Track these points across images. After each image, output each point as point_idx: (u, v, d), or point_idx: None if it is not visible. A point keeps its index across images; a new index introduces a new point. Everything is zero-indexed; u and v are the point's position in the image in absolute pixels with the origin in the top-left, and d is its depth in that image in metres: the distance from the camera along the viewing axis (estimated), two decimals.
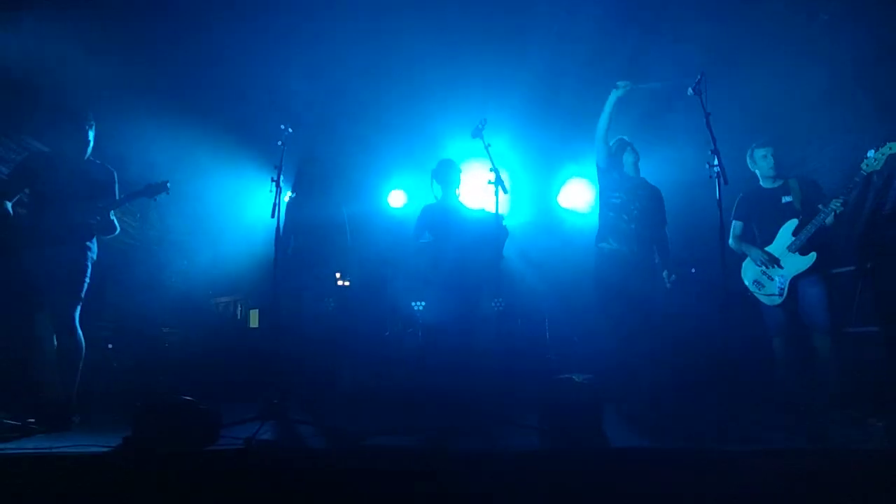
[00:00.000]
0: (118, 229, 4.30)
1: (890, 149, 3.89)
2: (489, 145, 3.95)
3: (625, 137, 4.78)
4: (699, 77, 3.88)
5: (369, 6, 5.31)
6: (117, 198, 4.26)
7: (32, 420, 3.62)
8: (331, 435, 3.52)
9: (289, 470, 2.99)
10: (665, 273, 4.56)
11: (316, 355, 5.25)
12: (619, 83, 4.46)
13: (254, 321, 7.81)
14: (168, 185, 4.34)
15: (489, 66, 5.92)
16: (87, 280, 4.08)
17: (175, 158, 6.50)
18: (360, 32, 5.68)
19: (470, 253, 4.71)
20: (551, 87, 6.05)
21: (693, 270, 5.82)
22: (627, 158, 4.68)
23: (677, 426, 3.80)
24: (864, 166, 4.01)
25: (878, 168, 3.97)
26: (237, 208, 7.65)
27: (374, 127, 6.84)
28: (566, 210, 7.41)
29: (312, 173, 5.21)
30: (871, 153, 3.97)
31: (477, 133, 3.94)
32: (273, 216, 4.12)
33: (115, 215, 4.25)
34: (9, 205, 4.05)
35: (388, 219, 7.54)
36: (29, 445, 3.16)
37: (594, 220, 4.82)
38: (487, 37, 5.73)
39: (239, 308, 7.56)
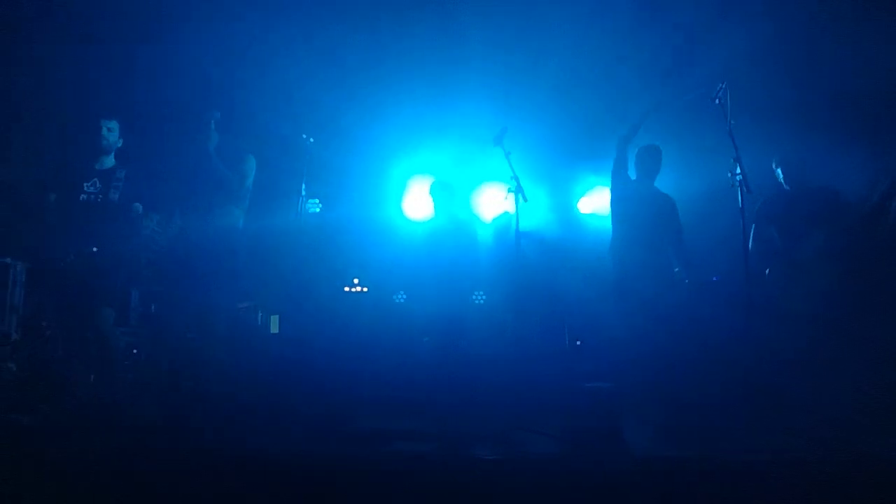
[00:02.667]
0: None
1: None
2: (510, 153, 3.97)
3: (655, 145, 4.76)
4: (721, 86, 3.86)
5: (387, 15, 5.36)
6: None
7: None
8: (350, 440, 3.54)
9: (308, 475, 3.02)
10: (678, 272, 4.55)
11: (334, 361, 5.29)
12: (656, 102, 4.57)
13: (274, 327, 7.88)
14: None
15: (510, 73, 5.93)
16: None
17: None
18: (379, 41, 5.74)
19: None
20: (571, 95, 6.04)
21: (715, 279, 5.76)
22: (649, 166, 4.67)
23: (700, 435, 3.76)
24: None
25: None
26: (259, 214, 7.74)
27: (393, 134, 6.88)
28: (587, 216, 7.38)
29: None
30: None
31: (498, 141, 3.96)
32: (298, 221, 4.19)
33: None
34: None
35: (403, 225, 7.57)
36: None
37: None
38: (506, 43, 5.75)
39: (259, 313, 7.63)
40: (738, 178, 3.81)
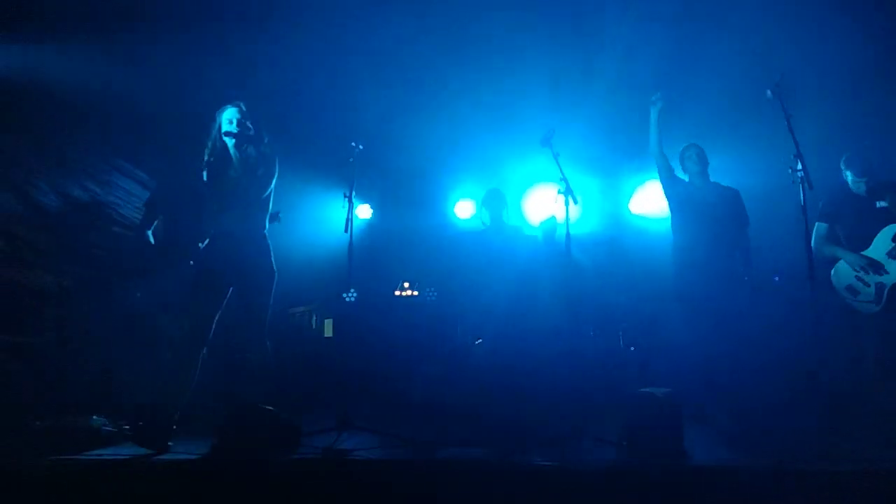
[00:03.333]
0: None
1: None
2: (558, 154, 3.92)
3: (694, 144, 4.72)
4: (778, 78, 3.73)
5: (433, 18, 5.37)
6: None
7: (128, 427, 3.82)
8: (405, 446, 3.55)
9: (366, 480, 3.05)
10: (741, 273, 4.44)
11: (388, 366, 5.34)
12: (653, 97, 4.57)
13: (328, 331, 8.02)
14: (280, 214, 4.82)
15: (557, 73, 5.87)
16: None
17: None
18: (426, 45, 5.75)
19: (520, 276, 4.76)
20: (621, 94, 5.94)
21: (777, 279, 5.58)
22: (691, 167, 4.65)
23: (766, 442, 3.62)
24: None
25: None
26: (310, 221, 7.89)
27: (441, 137, 6.90)
28: (639, 217, 7.24)
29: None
30: None
31: (546, 142, 3.92)
32: (346, 231, 4.23)
33: None
34: None
35: (454, 229, 7.59)
36: (124, 452, 3.35)
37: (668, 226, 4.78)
38: (553, 43, 5.69)
39: (314, 318, 7.77)
40: (799, 174, 3.67)
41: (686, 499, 2.83)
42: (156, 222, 5.05)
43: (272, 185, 4.02)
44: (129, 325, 5.69)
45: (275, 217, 5.18)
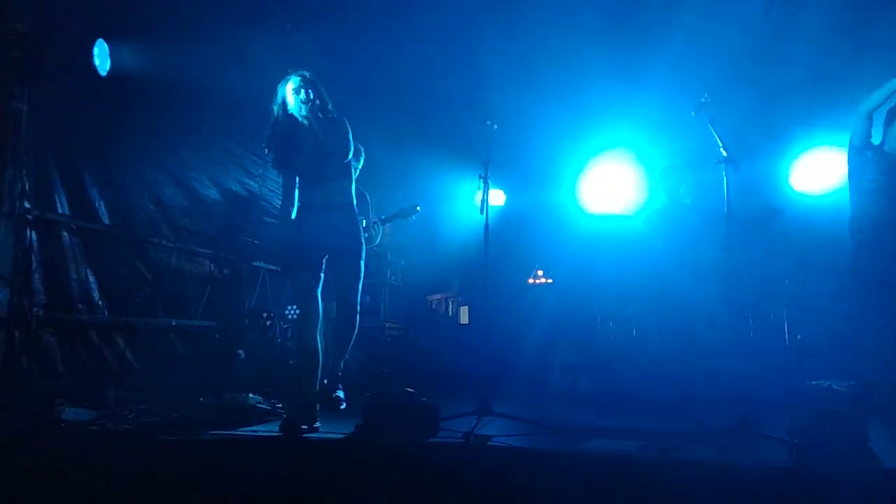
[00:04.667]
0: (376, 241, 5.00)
1: None
2: (715, 120, 3.53)
3: None
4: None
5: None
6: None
7: (280, 405, 4.02)
8: (549, 434, 3.42)
9: (508, 467, 2.95)
10: None
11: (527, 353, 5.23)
12: None
13: (464, 317, 8.07)
14: (418, 208, 4.82)
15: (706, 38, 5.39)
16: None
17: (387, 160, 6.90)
18: (559, 25, 5.51)
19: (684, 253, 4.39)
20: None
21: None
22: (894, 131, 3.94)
23: None
24: None
25: None
26: (448, 206, 7.94)
27: (575, 118, 6.63)
28: (801, 193, 6.52)
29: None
30: None
31: (699, 109, 3.55)
32: (482, 213, 4.11)
33: None
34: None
35: (586, 215, 7.28)
36: (275, 429, 3.50)
37: (836, 201, 4.16)
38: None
39: (451, 305, 7.83)
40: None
41: None
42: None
43: (351, 151, 3.76)
44: (279, 309, 6.02)
45: (412, 210, 5.26)
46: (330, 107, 3.74)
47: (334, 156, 3.68)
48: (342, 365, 3.83)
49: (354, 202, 3.83)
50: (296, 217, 3.75)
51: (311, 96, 3.62)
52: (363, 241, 3.81)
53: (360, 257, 3.72)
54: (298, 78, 3.66)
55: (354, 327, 3.74)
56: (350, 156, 3.77)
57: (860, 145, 3.97)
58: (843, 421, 2.87)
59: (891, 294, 3.63)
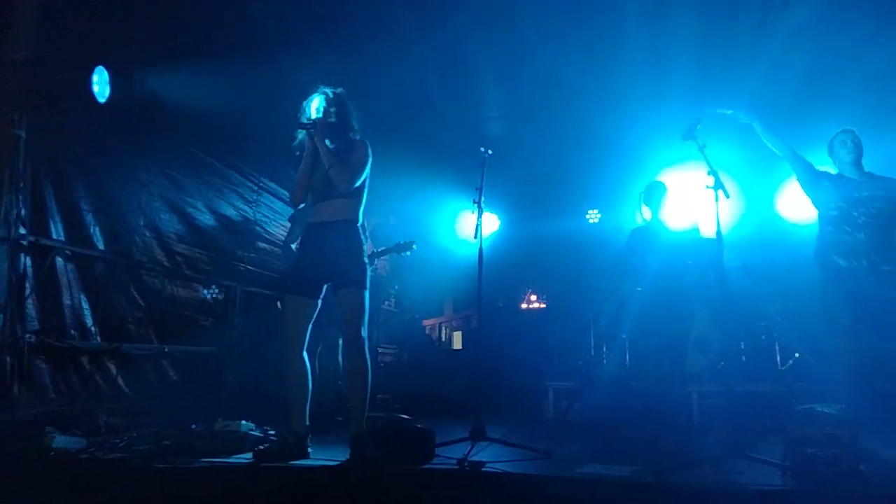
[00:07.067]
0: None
1: None
2: (704, 146, 3.59)
3: (847, 129, 4.12)
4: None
5: (566, 19, 5.21)
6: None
7: (273, 432, 3.98)
8: (543, 460, 3.41)
9: (502, 493, 2.94)
10: None
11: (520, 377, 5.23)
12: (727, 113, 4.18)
13: (457, 343, 8.07)
14: (415, 246, 5.04)
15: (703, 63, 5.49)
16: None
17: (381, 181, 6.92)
18: (556, 45, 5.58)
19: (677, 277, 4.42)
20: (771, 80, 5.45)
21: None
22: (844, 157, 4.03)
23: None
24: None
25: None
26: (440, 231, 7.99)
27: (572, 142, 6.71)
28: (787, 221, 6.62)
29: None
30: None
31: (689, 134, 3.61)
32: (475, 238, 4.15)
33: None
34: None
35: (586, 234, 7.36)
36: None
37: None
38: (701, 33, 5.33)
39: (444, 330, 7.84)
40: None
41: None
42: (300, 237, 5.27)
43: (364, 175, 3.65)
44: (273, 335, 5.99)
45: (408, 246, 5.27)
46: (354, 128, 3.66)
47: (335, 182, 3.56)
48: (363, 421, 3.49)
49: (360, 221, 3.71)
50: (303, 237, 3.72)
51: (326, 116, 3.57)
52: (367, 266, 3.65)
53: (363, 287, 3.58)
54: (321, 97, 3.62)
55: (364, 370, 3.55)
56: (361, 180, 3.63)
57: (808, 180, 4.16)
58: (835, 444, 2.89)
59: (862, 323, 3.70)
